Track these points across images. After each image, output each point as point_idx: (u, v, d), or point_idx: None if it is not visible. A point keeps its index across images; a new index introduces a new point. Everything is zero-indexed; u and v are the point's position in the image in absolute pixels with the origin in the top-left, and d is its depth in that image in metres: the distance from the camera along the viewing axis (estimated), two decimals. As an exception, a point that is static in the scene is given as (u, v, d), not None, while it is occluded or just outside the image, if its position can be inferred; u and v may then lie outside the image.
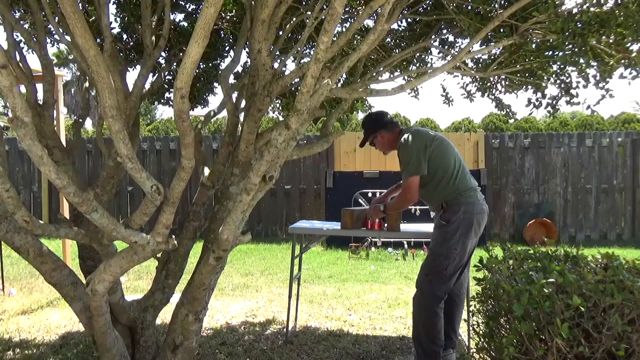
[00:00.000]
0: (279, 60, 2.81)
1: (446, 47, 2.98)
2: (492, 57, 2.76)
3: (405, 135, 2.76)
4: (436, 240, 2.69)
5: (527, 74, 2.69)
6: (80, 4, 2.64)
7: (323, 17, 2.30)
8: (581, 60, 2.17)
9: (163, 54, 2.95)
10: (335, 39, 1.76)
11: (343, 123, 13.78)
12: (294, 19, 2.71)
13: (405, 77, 3.27)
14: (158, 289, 2.51)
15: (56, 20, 2.43)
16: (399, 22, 2.98)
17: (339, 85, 3.24)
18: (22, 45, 2.61)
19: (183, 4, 3.04)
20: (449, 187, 2.68)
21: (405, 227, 3.22)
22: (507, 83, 2.94)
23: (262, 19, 2.12)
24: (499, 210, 8.20)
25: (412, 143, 2.72)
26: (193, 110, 3.25)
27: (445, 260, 2.60)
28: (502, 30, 2.44)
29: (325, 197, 7.71)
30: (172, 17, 2.89)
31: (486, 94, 3.06)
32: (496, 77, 2.95)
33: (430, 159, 2.70)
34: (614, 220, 8.16)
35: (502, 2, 2.43)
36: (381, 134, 2.92)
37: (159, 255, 2.40)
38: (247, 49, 2.65)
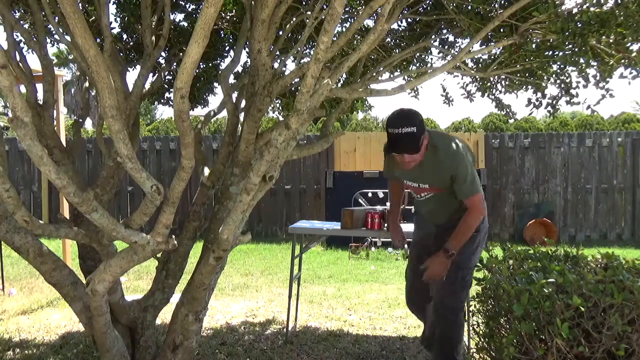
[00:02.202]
0: (279, 60, 2.81)
1: (446, 47, 2.98)
2: (492, 57, 2.76)
3: (454, 144, 2.40)
4: (466, 252, 2.43)
5: (527, 74, 2.69)
6: (80, 4, 2.63)
7: (323, 17, 2.30)
8: (581, 60, 2.18)
9: (163, 54, 2.95)
10: (335, 39, 1.76)
11: (343, 123, 13.78)
12: (294, 19, 2.70)
13: (405, 77, 3.27)
14: (158, 289, 2.50)
15: (56, 20, 2.43)
16: (399, 22, 2.98)
17: (339, 85, 3.24)
18: (22, 45, 2.61)
19: (183, 4, 3.04)
20: None
21: (405, 227, 3.22)
22: (507, 83, 2.93)
23: (262, 19, 2.12)
24: (499, 210, 8.20)
25: (464, 153, 2.40)
26: (193, 110, 3.25)
27: (472, 271, 2.49)
28: (502, 30, 2.44)
29: (325, 197, 7.71)
30: (172, 17, 2.89)
31: (486, 94, 3.06)
32: (496, 77, 2.95)
33: None
34: (614, 220, 8.15)
35: (502, 2, 2.43)
36: (425, 137, 2.36)
37: (159, 255, 2.40)
38: (247, 49, 2.65)
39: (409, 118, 2.29)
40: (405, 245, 3.00)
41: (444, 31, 2.87)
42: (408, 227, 3.29)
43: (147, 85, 2.68)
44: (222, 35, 3.17)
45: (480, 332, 2.25)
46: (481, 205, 2.41)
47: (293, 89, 3.18)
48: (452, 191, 2.45)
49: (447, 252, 2.38)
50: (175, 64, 3.04)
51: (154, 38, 2.50)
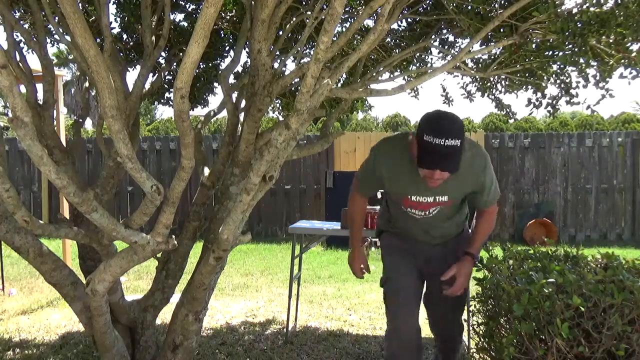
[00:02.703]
0: (279, 60, 2.81)
1: (446, 47, 2.98)
2: (492, 57, 2.76)
3: (479, 147, 2.13)
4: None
5: (527, 74, 2.69)
6: (80, 4, 2.64)
7: (323, 17, 2.30)
8: (581, 60, 2.17)
9: (163, 54, 2.95)
10: (335, 39, 1.76)
11: (343, 123, 13.79)
12: (294, 19, 2.70)
13: (405, 77, 3.27)
14: (158, 289, 2.50)
15: (56, 20, 2.43)
16: (399, 22, 2.98)
17: (339, 85, 3.24)
18: (22, 45, 2.61)
19: (183, 4, 3.04)
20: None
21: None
22: (507, 83, 2.93)
23: (262, 19, 2.12)
24: (499, 210, 8.17)
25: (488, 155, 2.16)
26: (193, 110, 3.25)
27: None
28: (502, 30, 2.44)
29: (325, 197, 7.71)
30: (172, 17, 2.89)
31: (486, 94, 3.06)
32: (496, 77, 2.95)
33: None
34: (614, 220, 8.15)
35: (502, 2, 2.43)
36: None
37: (159, 255, 2.40)
38: (247, 49, 2.65)
39: (455, 127, 1.83)
40: (365, 276, 2.51)
41: (444, 31, 2.87)
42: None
43: (147, 85, 2.68)
44: (222, 35, 3.17)
45: (480, 332, 2.25)
46: (495, 214, 2.29)
47: (293, 89, 3.18)
48: (459, 203, 2.20)
49: (475, 257, 2.17)
50: (175, 64, 3.04)
51: (154, 38, 2.50)
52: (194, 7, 3.05)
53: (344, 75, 3.27)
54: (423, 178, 1.96)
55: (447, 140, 1.79)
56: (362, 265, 2.43)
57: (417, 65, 3.27)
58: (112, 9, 2.90)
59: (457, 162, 1.85)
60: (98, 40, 2.65)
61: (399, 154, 2.08)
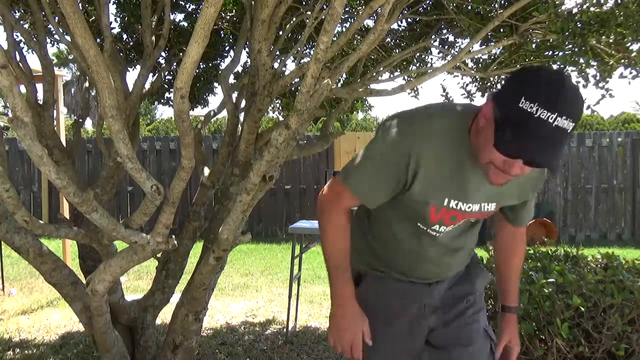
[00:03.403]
0: (279, 60, 2.81)
1: (446, 47, 2.99)
2: (492, 57, 2.76)
3: None
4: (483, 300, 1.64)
5: (527, 74, 2.68)
6: (80, 4, 2.64)
7: (323, 17, 2.30)
8: (581, 60, 2.17)
9: (163, 54, 2.95)
10: (335, 39, 1.76)
11: (343, 123, 13.79)
12: (294, 19, 2.71)
13: (405, 77, 3.27)
14: (158, 289, 2.50)
15: (56, 20, 2.43)
16: (399, 22, 2.98)
17: (339, 85, 3.24)
18: (22, 45, 2.61)
19: (183, 4, 3.04)
20: None
21: None
22: (507, 83, 2.93)
23: (262, 19, 2.12)
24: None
25: None
26: (193, 110, 3.25)
27: None
28: (502, 30, 2.44)
29: (325, 197, 7.71)
30: (172, 17, 2.89)
31: (486, 94, 3.06)
32: (496, 77, 2.95)
33: None
34: (614, 220, 8.15)
35: (502, 2, 2.43)
36: None
37: (159, 255, 2.40)
38: (247, 49, 2.65)
39: (577, 102, 1.08)
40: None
41: (444, 31, 2.87)
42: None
43: (147, 85, 2.68)
44: (222, 35, 3.18)
45: (480, 332, 2.25)
46: None
47: (293, 89, 3.18)
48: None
49: (518, 310, 1.59)
50: (175, 64, 3.05)
51: (154, 38, 2.50)
52: (194, 7, 3.05)
53: (344, 75, 3.27)
54: (486, 166, 1.18)
55: (559, 119, 1.04)
56: (363, 338, 1.38)
57: (417, 65, 3.27)
58: (112, 9, 2.90)
59: (560, 156, 1.10)
60: (98, 40, 2.65)
61: (454, 138, 1.26)
